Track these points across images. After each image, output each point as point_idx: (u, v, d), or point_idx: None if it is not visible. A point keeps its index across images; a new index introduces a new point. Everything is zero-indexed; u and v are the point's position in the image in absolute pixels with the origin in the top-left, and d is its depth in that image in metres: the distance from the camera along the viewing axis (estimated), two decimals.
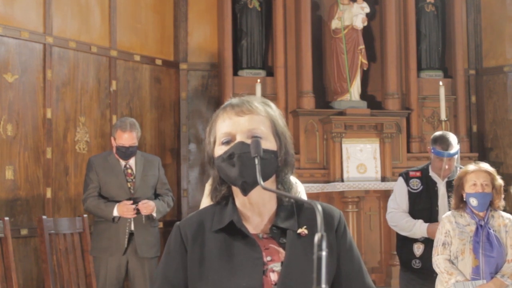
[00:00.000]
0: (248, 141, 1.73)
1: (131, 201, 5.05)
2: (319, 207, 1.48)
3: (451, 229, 4.03)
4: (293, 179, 1.88)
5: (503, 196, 4.03)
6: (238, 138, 1.74)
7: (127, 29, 6.95)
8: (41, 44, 6.00)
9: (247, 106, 1.78)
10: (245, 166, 1.69)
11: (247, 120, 1.76)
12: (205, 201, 3.49)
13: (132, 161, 5.23)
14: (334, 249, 1.77)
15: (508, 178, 7.51)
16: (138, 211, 5.05)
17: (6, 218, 4.28)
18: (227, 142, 1.75)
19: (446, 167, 4.56)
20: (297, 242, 1.75)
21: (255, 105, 1.79)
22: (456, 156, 4.65)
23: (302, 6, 7.29)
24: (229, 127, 1.76)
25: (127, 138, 5.11)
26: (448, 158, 4.56)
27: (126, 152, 5.14)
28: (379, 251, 7.00)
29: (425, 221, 4.56)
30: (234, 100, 1.81)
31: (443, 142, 4.56)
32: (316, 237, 1.38)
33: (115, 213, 5.02)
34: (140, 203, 5.05)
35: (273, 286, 1.71)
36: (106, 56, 6.66)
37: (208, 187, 3.49)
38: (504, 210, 4.14)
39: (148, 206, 5.07)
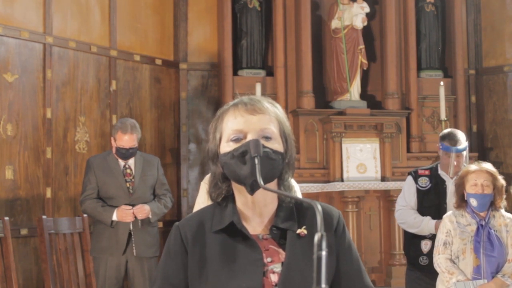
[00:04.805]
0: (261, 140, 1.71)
1: (130, 206, 5.04)
2: (319, 207, 1.48)
3: (452, 229, 4.04)
4: (291, 181, 1.88)
5: (504, 196, 4.05)
6: (250, 137, 1.72)
7: (127, 29, 6.94)
8: (41, 44, 6.00)
9: (259, 106, 1.76)
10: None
11: (259, 119, 1.74)
12: (200, 201, 3.48)
13: (131, 161, 5.23)
14: (333, 249, 1.76)
15: (508, 178, 7.50)
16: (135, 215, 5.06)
17: (6, 218, 4.28)
18: (237, 140, 1.73)
19: (455, 163, 4.60)
20: (297, 242, 1.74)
21: (266, 105, 1.78)
22: (465, 153, 4.68)
23: (302, 6, 7.29)
24: (240, 125, 1.74)
25: (127, 140, 5.10)
26: (456, 154, 4.60)
27: (126, 154, 5.15)
28: (379, 251, 7.00)
29: (433, 218, 4.57)
30: (245, 99, 1.79)
31: (451, 138, 4.64)
32: (316, 237, 1.38)
33: (114, 217, 5.02)
34: (135, 208, 5.04)
35: (274, 287, 1.71)
36: (106, 56, 6.66)
37: (204, 185, 3.49)
38: (505, 210, 4.15)
39: (143, 211, 5.06)
